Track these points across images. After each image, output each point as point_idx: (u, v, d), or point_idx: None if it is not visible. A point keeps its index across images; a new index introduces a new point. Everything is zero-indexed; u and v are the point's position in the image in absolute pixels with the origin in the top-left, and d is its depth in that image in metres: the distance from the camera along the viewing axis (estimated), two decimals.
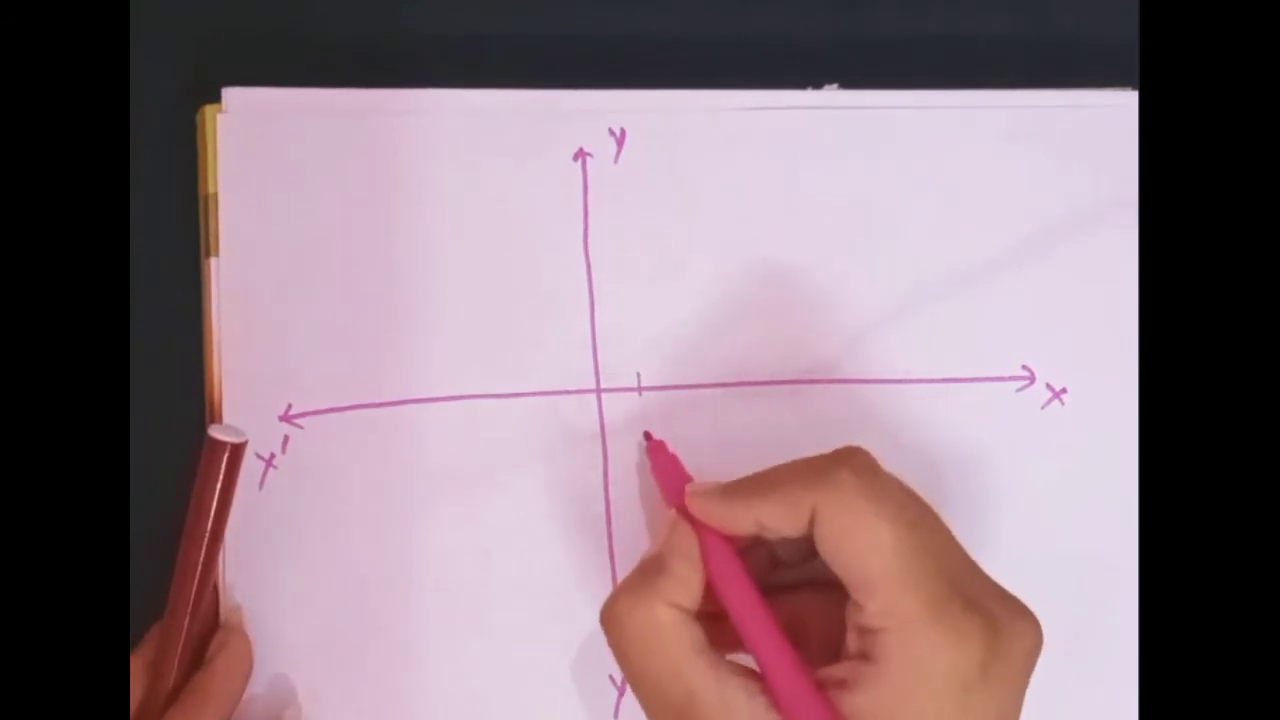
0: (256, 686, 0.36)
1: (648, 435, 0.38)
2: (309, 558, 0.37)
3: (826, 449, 0.36)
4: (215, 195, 0.38)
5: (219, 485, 0.34)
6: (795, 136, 0.40)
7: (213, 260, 0.37)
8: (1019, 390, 0.40)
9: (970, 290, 0.40)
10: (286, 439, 0.37)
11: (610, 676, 0.38)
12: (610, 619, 0.32)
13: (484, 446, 0.38)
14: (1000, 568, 0.32)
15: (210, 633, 0.36)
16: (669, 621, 0.32)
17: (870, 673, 0.30)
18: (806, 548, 0.32)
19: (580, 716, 0.38)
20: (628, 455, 0.38)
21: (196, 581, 0.34)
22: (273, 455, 0.37)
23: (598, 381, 0.39)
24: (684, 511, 0.34)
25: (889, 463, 0.39)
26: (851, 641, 0.31)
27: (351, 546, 0.37)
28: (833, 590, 0.32)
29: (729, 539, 0.33)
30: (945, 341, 0.40)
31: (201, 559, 0.34)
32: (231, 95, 0.38)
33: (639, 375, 0.39)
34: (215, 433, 0.34)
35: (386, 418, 0.38)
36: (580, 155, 0.39)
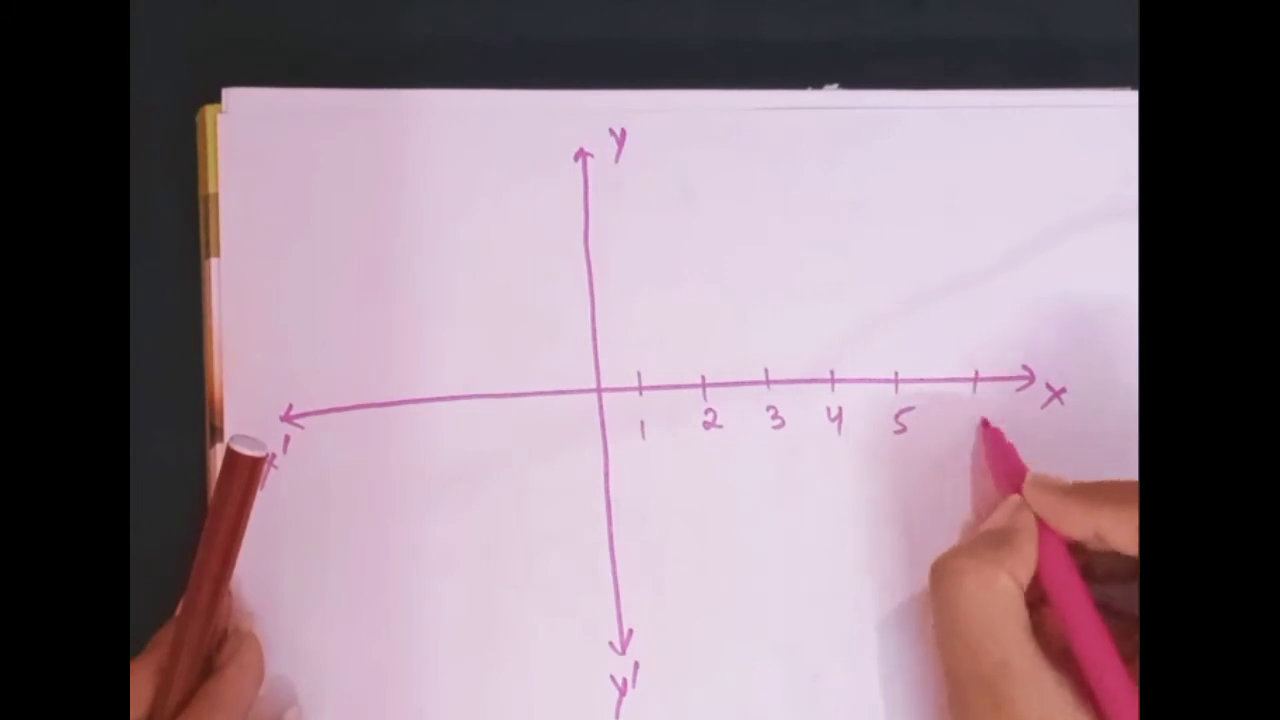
0: None
1: (985, 422, 0.39)
2: (309, 558, 0.37)
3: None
4: (215, 195, 0.38)
5: (239, 497, 0.33)
6: (795, 136, 0.40)
7: (213, 260, 0.37)
8: (1019, 390, 0.40)
9: (970, 290, 0.40)
10: (287, 439, 0.37)
11: (610, 676, 0.38)
12: (949, 572, 0.33)
13: (485, 446, 0.38)
14: None
15: (221, 639, 0.35)
16: (1006, 590, 0.32)
17: None
18: (1123, 570, 0.33)
19: (580, 716, 0.38)
20: (628, 455, 0.38)
21: (212, 592, 0.34)
22: (273, 455, 0.37)
23: (598, 381, 0.39)
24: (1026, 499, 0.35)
25: (889, 463, 0.39)
26: None
27: (352, 546, 0.37)
28: (1123, 620, 0.33)
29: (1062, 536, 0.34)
30: (945, 341, 0.40)
31: (217, 570, 0.33)
32: (231, 95, 0.38)
33: (639, 374, 0.39)
34: (237, 445, 0.33)
35: (387, 418, 0.38)
36: (581, 155, 0.39)
